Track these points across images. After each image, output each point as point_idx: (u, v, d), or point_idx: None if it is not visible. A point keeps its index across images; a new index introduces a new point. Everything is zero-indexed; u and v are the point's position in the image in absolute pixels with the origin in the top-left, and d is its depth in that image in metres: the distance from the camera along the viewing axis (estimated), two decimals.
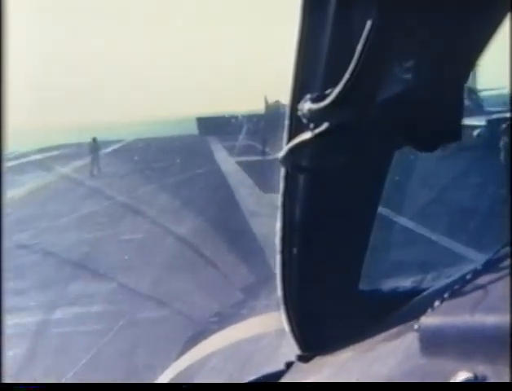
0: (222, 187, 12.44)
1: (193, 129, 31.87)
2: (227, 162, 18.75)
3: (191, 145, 24.03)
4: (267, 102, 32.17)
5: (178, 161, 16.75)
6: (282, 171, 0.79)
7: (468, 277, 0.69)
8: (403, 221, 7.02)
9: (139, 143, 26.69)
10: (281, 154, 0.66)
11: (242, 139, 24.95)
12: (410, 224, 7.13)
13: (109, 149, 23.18)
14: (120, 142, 27.39)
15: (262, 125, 24.63)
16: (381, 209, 0.86)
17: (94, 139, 19.44)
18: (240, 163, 17.44)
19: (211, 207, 9.41)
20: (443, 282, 0.83)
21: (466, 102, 0.64)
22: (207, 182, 13.07)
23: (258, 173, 13.13)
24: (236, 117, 30.66)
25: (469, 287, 0.66)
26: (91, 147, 18.89)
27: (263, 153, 19.22)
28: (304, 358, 0.93)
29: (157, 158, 17.76)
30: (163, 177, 13.65)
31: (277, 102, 31.93)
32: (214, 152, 22.63)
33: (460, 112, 0.62)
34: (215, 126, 30.29)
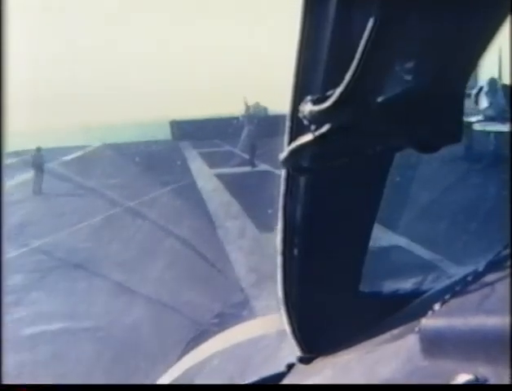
0: (197, 218, 9.37)
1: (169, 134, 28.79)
2: (203, 175, 15.50)
3: (163, 152, 20.77)
4: (246, 104, 31.07)
5: (142, 176, 13.89)
6: (283, 172, 0.79)
7: (468, 279, 0.69)
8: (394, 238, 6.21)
9: (105, 150, 22.88)
10: (282, 155, 0.66)
11: (222, 145, 22.57)
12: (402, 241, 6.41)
13: (69, 157, 19.73)
14: (84, 148, 23.73)
15: (249, 128, 22.39)
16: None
17: (39, 149, 15.84)
18: (220, 177, 14.41)
19: (177, 262, 6.86)
20: (443, 284, 0.83)
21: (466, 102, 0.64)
22: (174, 208, 10.23)
23: (247, 192, 11.02)
24: (213, 120, 28.74)
25: (469, 289, 0.66)
26: (35, 158, 15.34)
27: (251, 163, 16.36)
28: (305, 360, 0.93)
29: (119, 170, 15.06)
30: (116, 201, 10.90)
31: (257, 104, 31.02)
32: (188, 161, 19.21)
33: (461, 112, 0.62)
34: (191, 130, 27.46)
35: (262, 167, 15.27)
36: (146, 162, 16.28)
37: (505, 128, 11.49)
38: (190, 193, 12.15)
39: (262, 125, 21.49)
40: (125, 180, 13.60)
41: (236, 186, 12.31)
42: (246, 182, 13.26)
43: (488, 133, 11.97)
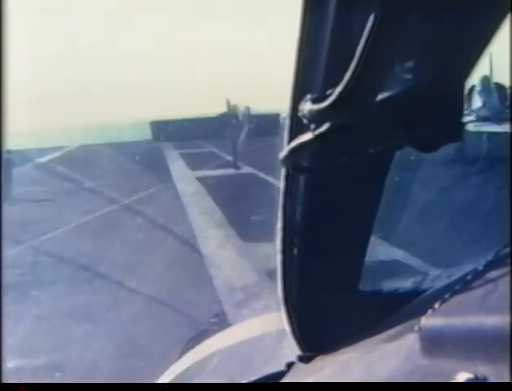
0: (175, 227, 8.40)
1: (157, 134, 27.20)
2: (184, 178, 14.42)
3: (143, 153, 19.46)
4: (228, 104, 29.46)
5: (117, 180, 12.64)
6: (283, 171, 0.79)
7: (468, 278, 0.69)
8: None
9: (81, 151, 21.48)
10: (282, 154, 0.66)
11: (204, 146, 21.89)
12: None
13: (45, 159, 18.23)
14: (62, 149, 22.15)
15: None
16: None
17: (9, 151, 13.55)
18: (202, 180, 13.42)
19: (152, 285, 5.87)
20: (443, 282, 0.83)
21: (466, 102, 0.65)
22: (150, 217, 9.01)
23: (229, 197, 10.39)
24: (195, 120, 27.97)
25: (469, 287, 0.66)
26: (4, 161, 12.62)
27: (235, 165, 15.56)
28: (305, 359, 0.93)
29: (93, 174, 13.47)
30: (89, 208, 9.70)
31: (239, 104, 30.53)
32: (168, 163, 18.30)
33: (460, 112, 0.62)
34: (172, 131, 26.58)
35: (246, 169, 14.90)
36: (123, 164, 15.38)
37: (499, 128, 11.12)
38: (168, 198, 11.25)
39: (237, 124, 21.30)
40: (99, 184, 12.37)
41: (219, 190, 11.53)
42: (229, 185, 12.49)
43: (481, 134, 11.46)
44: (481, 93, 12.30)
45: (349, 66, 0.56)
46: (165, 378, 1.55)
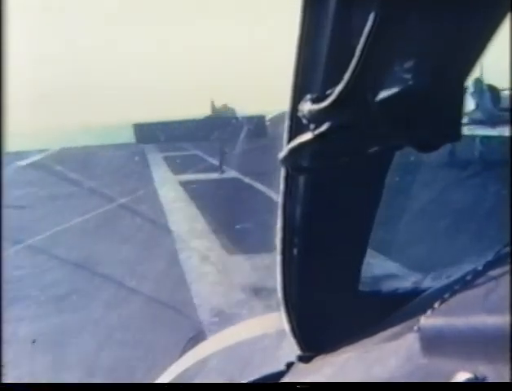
0: (154, 238, 7.78)
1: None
2: (166, 182, 13.78)
3: (124, 157, 18.65)
4: (213, 105, 29.16)
5: (95, 184, 11.86)
6: (282, 171, 0.79)
7: (468, 278, 0.69)
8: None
9: (61, 154, 20.29)
10: (282, 154, 0.66)
11: (189, 149, 21.16)
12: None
13: (24, 162, 17.04)
14: (44, 151, 20.75)
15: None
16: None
17: None
18: (185, 185, 12.82)
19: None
20: (443, 282, 0.83)
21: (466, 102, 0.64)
22: (127, 226, 8.31)
23: (213, 204, 9.73)
24: (179, 122, 27.22)
25: (469, 287, 0.66)
26: None
27: (220, 169, 14.75)
28: (304, 359, 0.93)
29: (70, 178, 13.07)
30: (62, 216, 9.04)
31: (225, 105, 30.18)
32: (151, 166, 17.65)
33: (460, 111, 0.62)
34: (155, 133, 25.48)
35: (231, 174, 14.30)
36: (101, 169, 14.59)
37: (493, 132, 10.75)
38: (148, 206, 10.24)
39: (222, 126, 20.98)
40: (75, 190, 11.97)
41: (202, 197, 10.95)
42: (213, 191, 11.69)
43: (474, 137, 10.90)
44: (474, 95, 11.93)
45: (349, 66, 0.56)
46: (165, 378, 1.54)
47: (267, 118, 26.43)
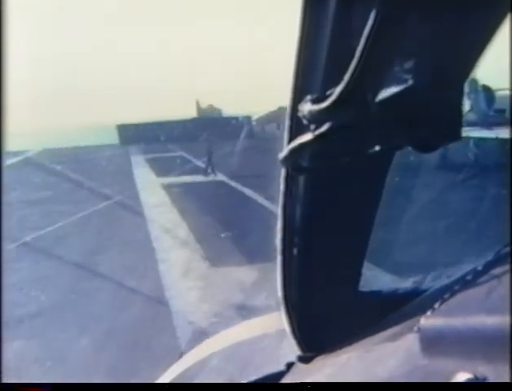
0: (131, 249, 7.26)
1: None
2: (149, 185, 13.03)
3: (107, 158, 18.25)
4: (199, 106, 28.98)
5: (72, 189, 11.55)
6: (283, 172, 0.79)
7: (468, 278, 0.69)
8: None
9: (42, 156, 20.01)
10: (282, 155, 0.66)
11: (174, 150, 20.75)
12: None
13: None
14: (23, 153, 19.57)
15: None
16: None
17: None
18: (168, 188, 12.23)
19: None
20: (443, 283, 0.84)
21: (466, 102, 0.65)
22: (104, 235, 7.80)
23: (197, 209, 9.37)
24: (163, 123, 26.89)
25: (469, 287, 0.66)
26: None
27: (207, 171, 14.39)
28: (305, 359, 0.93)
29: (48, 182, 12.62)
30: (37, 223, 8.48)
31: (211, 106, 29.85)
32: (133, 168, 16.87)
33: (460, 111, 0.62)
34: (139, 134, 25.16)
35: (217, 177, 13.94)
36: (83, 171, 14.07)
37: (490, 134, 10.37)
38: (128, 211, 9.75)
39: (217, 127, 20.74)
40: (50, 195, 11.44)
41: (185, 201, 10.41)
42: (197, 195, 11.21)
43: (468, 139, 10.37)
44: (468, 96, 11.49)
45: (349, 66, 0.56)
46: (165, 378, 1.54)
47: (254, 118, 26.21)
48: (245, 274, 5.74)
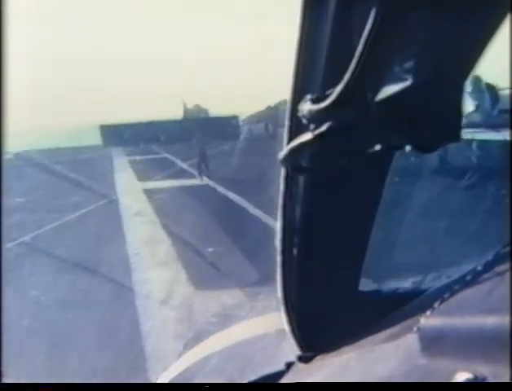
0: (105, 265, 6.25)
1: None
2: (131, 190, 11.95)
3: (87, 161, 17.32)
4: (185, 106, 28.01)
5: (46, 195, 10.67)
6: (283, 172, 0.79)
7: (468, 278, 0.69)
8: None
9: (22, 157, 17.32)
10: (282, 154, 0.66)
11: (158, 152, 19.93)
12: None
13: None
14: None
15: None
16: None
17: None
18: (150, 193, 11.17)
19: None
20: (442, 282, 0.84)
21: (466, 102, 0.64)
22: (74, 249, 6.87)
23: (181, 218, 8.31)
24: (148, 124, 25.45)
25: (469, 287, 0.66)
26: None
27: (200, 175, 13.25)
28: (304, 359, 0.93)
29: (23, 187, 11.59)
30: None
31: (198, 106, 29.30)
32: (115, 171, 15.68)
33: (460, 112, 0.62)
34: (123, 135, 23.74)
35: (202, 181, 12.99)
36: (61, 174, 13.15)
37: (497, 136, 9.48)
38: (104, 220, 8.82)
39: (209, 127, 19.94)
40: (23, 202, 10.45)
41: (168, 208, 9.44)
42: (181, 202, 10.25)
43: (470, 141, 9.57)
44: (472, 95, 10.78)
45: (349, 66, 0.56)
46: (165, 378, 1.55)
47: (241, 119, 25.71)
48: (237, 300, 4.94)
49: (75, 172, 13.71)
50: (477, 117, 10.66)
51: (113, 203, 10.51)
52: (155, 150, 20.94)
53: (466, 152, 9.38)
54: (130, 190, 12.28)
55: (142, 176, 14.11)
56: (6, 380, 2.65)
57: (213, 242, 6.77)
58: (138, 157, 18.60)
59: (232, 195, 10.36)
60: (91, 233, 8.01)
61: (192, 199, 10.57)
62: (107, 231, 8.22)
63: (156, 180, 13.29)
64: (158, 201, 10.42)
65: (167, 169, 14.96)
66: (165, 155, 19.05)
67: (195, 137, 15.78)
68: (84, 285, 5.68)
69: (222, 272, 5.71)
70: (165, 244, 7.34)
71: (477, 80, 11.09)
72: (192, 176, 13.92)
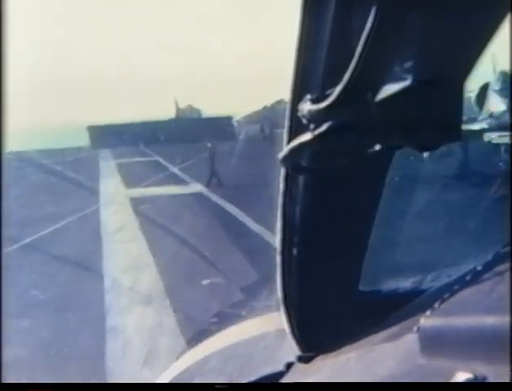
0: (76, 291, 5.04)
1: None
2: (115, 199, 10.49)
3: (72, 164, 15.80)
4: (177, 106, 27.53)
5: (24, 204, 9.08)
6: (283, 171, 0.79)
7: (468, 278, 0.69)
8: None
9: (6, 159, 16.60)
10: (282, 154, 0.66)
11: (149, 154, 18.69)
12: None
13: None
14: None
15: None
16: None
17: None
18: (136, 203, 9.62)
19: None
20: (442, 282, 0.84)
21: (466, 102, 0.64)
22: (41, 269, 5.61)
23: (172, 237, 6.71)
24: (138, 124, 24.21)
25: (468, 287, 0.66)
26: None
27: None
28: (304, 359, 0.93)
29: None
30: None
31: (190, 106, 28.47)
32: (100, 177, 14.05)
33: (460, 112, 0.62)
34: (112, 137, 22.42)
35: (194, 187, 11.52)
36: (41, 179, 11.93)
37: None
38: (80, 240, 7.19)
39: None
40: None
41: (156, 222, 7.89)
42: (170, 213, 8.68)
43: (497, 145, 8.42)
44: (501, 93, 9.19)
45: (349, 66, 0.56)
46: (165, 378, 1.54)
47: (235, 119, 25.07)
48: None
49: (55, 175, 12.64)
50: (507, 118, 9.05)
51: (94, 215, 8.85)
52: (145, 152, 19.81)
53: (494, 157, 8.30)
54: (115, 198, 10.65)
55: (129, 182, 12.62)
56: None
57: (208, 271, 5.42)
58: (126, 160, 17.18)
59: (230, 207, 8.93)
60: (59, 260, 6.02)
61: (184, 210, 8.99)
62: (81, 255, 6.38)
63: (144, 186, 11.78)
64: (144, 214, 8.79)
65: (157, 174, 13.56)
66: (157, 158, 17.77)
67: (205, 139, 14.75)
68: (43, 332, 4.14)
69: (221, 316, 4.17)
70: (149, 272, 5.70)
71: (505, 75, 9.56)
72: (183, 182, 12.51)
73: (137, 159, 17.73)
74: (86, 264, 5.90)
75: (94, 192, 11.39)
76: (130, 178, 13.23)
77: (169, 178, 13.13)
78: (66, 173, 13.58)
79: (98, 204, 9.97)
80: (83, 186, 11.91)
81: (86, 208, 9.30)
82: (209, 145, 14.06)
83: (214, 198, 10.19)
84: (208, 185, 12.11)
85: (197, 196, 10.74)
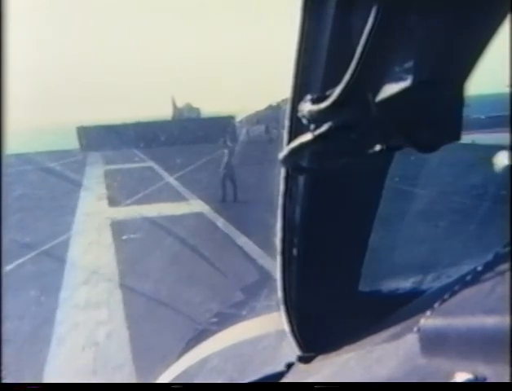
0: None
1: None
2: (93, 223, 8.18)
3: (60, 168, 14.03)
4: (174, 105, 26.63)
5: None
6: (282, 172, 0.79)
7: (468, 278, 0.69)
8: None
9: None
10: (282, 154, 0.66)
11: (143, 158, 16.77)
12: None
13: None
14: None
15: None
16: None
17: None
18: (118, 231, 7.29)
19: None
20: (442, 283, 0.84)
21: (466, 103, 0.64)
22: None
23: (164, 296, 4.57)
24: (131, 125, 22.42)
25: (469, 288, 0.66)
26: None
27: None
28: (304, 359, 0.93)
29: None
30: None
31: (189, 105, 26.92)
32: (81, 189, 11.78)
33: (460, 112, 0.62)
34: (102, 139, 20.90)
35: (194, 205, 9.34)
36: (14, 191, 10.22)
37: None
38: (31, 298, 5.05)
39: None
40: None
41: (142, 265, 5.59)
42: (163, 247, 6.22)
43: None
44: None
45: (349, 66, 0.56)
46: (165, 378, 1.55)
47: (237, 119, 23.74)
48: None
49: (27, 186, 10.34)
50: None
51: (60, 249, 6.27)
52: (139, 156, 17.86)
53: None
54: (92, 222, 8.34)
55: (114, 196, 10.44)
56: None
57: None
58: (116, 166, 15.02)
59: (240, 239, 6.62)
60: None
61: (180, 243, 6.54)
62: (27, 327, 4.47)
63: (131, 204, 9.51)
64: (127, 247, 6.61)
65: (149, 185, 11.16)
66: (150, 163, 15.67)
67: (221, 141, 12.59)
68: None
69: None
70: (127, 367, 3.80)
71: None
72: (180, 198, 9.93)
73: (128, 165, 15.26)
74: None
75: (67, 212, 9.13)
76: (117, 191, 11.27)
77: (162, 191, 10.92)
78: (42, 184, 11.14)
79: (69, 232, 7.64)
80: (56, 203, 9.68)
81: (51, 238, 6.82)
82: (225, 149, 11.52)
83: (220, 223, 7.52)
84: (223, 199, 10.10)
85: (198, 219, 8.16)
